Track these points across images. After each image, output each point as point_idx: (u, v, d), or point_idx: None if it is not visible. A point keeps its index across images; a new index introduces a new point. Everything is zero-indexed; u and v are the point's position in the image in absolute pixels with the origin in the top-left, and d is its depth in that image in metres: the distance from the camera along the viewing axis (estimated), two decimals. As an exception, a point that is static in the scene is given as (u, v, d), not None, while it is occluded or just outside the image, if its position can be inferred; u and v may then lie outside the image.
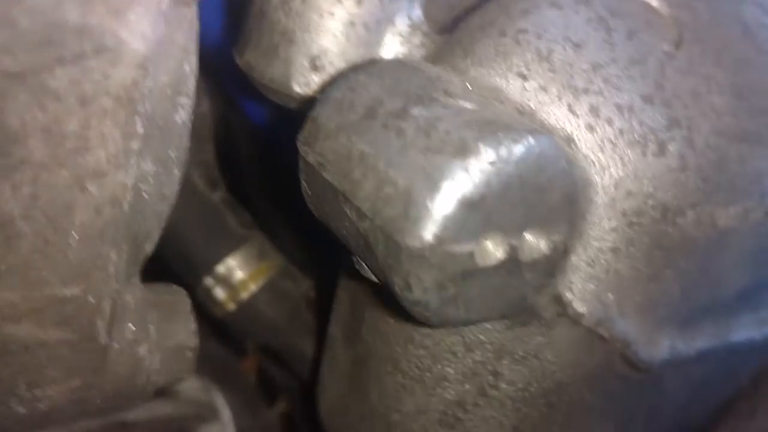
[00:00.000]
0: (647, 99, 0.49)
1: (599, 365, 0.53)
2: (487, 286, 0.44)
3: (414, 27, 0.56)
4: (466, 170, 0.40)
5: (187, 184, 0.73)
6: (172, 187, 0.46)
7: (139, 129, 0.40)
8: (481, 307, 0.45)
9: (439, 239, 0.40)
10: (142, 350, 0.48)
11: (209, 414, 0.75)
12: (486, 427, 0.56)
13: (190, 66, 0.43)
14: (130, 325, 0.47)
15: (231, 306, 0.73)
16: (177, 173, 0.45)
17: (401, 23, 0.56)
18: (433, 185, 0.40)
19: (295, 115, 0.60)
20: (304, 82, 0.56)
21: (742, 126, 0.52)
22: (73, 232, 0.40)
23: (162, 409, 0.71)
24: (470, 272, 0.43)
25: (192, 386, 0.77)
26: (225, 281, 0.73)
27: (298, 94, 0.56)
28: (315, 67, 0.56)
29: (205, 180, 0.73)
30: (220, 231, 0.73)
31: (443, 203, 0.40)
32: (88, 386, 0.46)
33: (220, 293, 0.73)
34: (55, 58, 0.35)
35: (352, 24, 0.55)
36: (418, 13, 0.56)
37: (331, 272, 0.76)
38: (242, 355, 0.87)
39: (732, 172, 0.51)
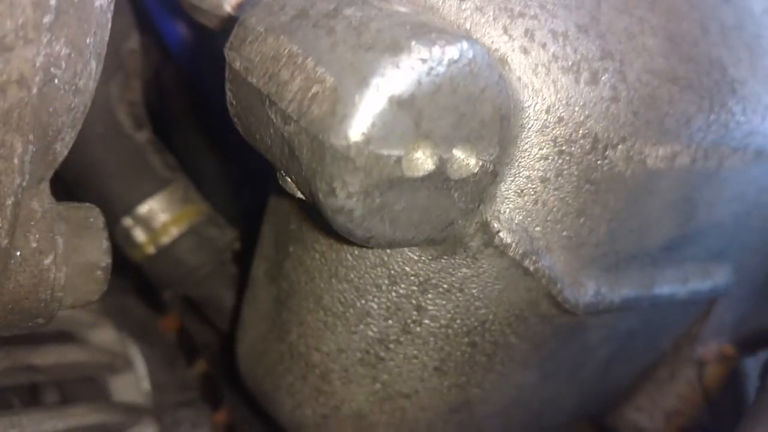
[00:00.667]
0: (582, 28, 0.48)
1: (524, 303, 0.52)
2: (413, 201, 0.43)
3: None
4: (397, 66, 0.39)
5: (111, 122, 0.70)
6: (87, 81, 0.43)
7: (52, 1, 0.37)
8: (407, 224, 0.44)
9: (367, 138, 0.39)
10: (47, 261, 0.45)
11: (123, 365, 0.71)
12: (408, 366, 0.55)
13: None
14: (35, 233, 0.44)
15: (150, 249, 0.70)
16: (94, 65, 0.43)
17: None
18: (361, 81, 0.39)
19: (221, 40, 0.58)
20: (236, 2, 0.54)
21: (673, 68, 0.52)
22: (-31, 111, 0.37)
23: (72, 354, 0.67)
24: (397, 181, 0.41)
25: (106, 336, 0.73)
26: (145, 223, 0.69)
27: (230, 14, 0.54)
28: (247, -15, 0.54)
29: (131, 119, 0.70)
30: (143, 171, 0.70)
31: (372, 100, 0.38)
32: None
33: (139, 235, 0.69)
34: None
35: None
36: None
37: (258, 223, 0.74)
38: (163, 313, 0.84)
39: (662, 111, 0.51)
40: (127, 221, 0.69)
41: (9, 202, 0.41)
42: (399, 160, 0.41)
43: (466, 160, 0.44)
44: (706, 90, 0.55)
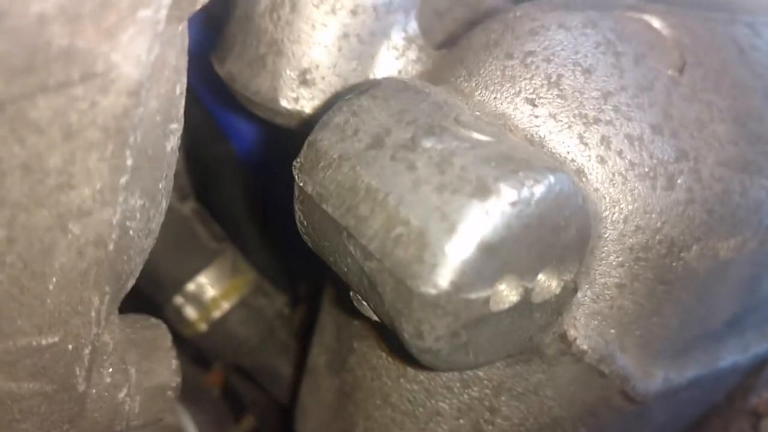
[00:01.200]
0: (656, 129, 0.47)
1: (597, 400, 0.52)
2: (497, 329, 0.42)
3: (410, 41, 0.53)
4: (486, 212, 0.37)
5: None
6: (158, 221, 0.42)
7: (128, 162, 0.35)
8: (490, 350, 0.43)
9: (456, 286, 0.38)
10: (122, 394, 0.44)
11: (175, 436, 0.71)
12: (478, 461, 0.54)
13: (181, 88, 0.39)
14: (109, 368, 0.43)
15: (202, 326, 0.69)
16: (164, 205, 0.41)
17: (397, 36, 0.53)
18: (450, 228, 0.37)
19: (279, 129, 0.57)
20: (293, 97, 0.52)
21: (743, 154, 0.51)
22: (52, 277, 0.36)
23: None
24: (483, 318, 0.40)
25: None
26: (196, 299, 0.68)
27: (285, 109, 0.53)
28: (305, 81, 0.52)
29: (175, 191, 0.68)
30: (191, 246, 0.69)
31: (461, 248, 0.37)
32: (63, 437, 0.42)
33: (190, 312, 0.69)
34: (37, 86, 0.31)
35: (345, 36, 0.51)
36: (414, 26, 0.53)
37: (310, 288, 0.73)
38: (207, 368, 0.84)
39: (734, 203, 0.50)
40: (178, 299, 0.68)
41: (86, 351, 0.40)
42: (487, 300, 0.40)
43: (548, 282, 0.43)
44: (774, 170, 0.53)
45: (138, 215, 0.39)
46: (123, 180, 0.36)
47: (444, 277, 0.37)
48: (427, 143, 0.40)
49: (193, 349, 0.80)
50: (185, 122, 0.73)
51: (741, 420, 0.75)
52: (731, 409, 0.75)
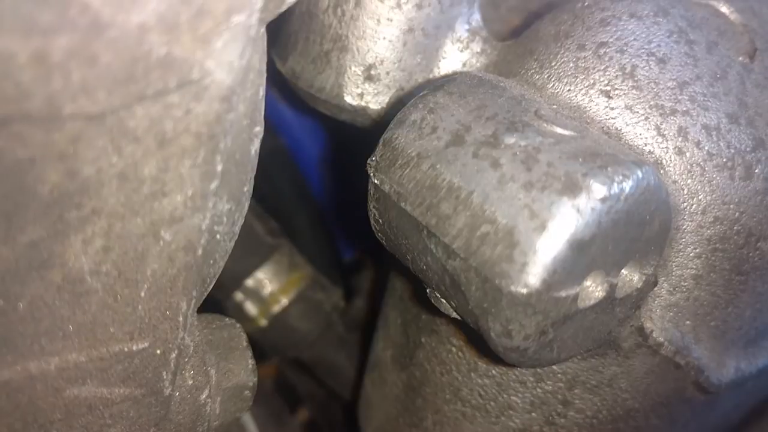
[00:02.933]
0: (733, 118, 0.46)
1: (671, 391, 0.51)
2: (581, 325, 0.42)
3: (473, 33, 0.52)
4: (577, 209, 0.37)
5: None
6: (240, 223, 0.41)
7: (219, 167, 0.35)
8: (573, 346, 0.43)
9: (547, 285, 0.37)
10: (204, 396, 0.44)
11: (237, 430, 0.72)
12: (549, 453, 0.54)
13: (263, 90, 0.39)
14: (190, 369, 0.44)
15: (263, 321, 0.69)
16: (247, 207, 0.41)
17: (461, 29, 0.52)
18: (541, 226, 0.37)
19: (331, 122, 0.56)
20: (357, 93, 0.52)
21: (816, 141, 0.50)
22: (144, 283, 0.36)
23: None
24: (571, 315, 0.40)
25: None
26: (255, 295, 0.69)
27: (350, 105, 0.52)
28: (370, 77, 0.52)
29: None
30: (249, 242, 0.69)
31: (553, 246, 0.37)
32: (149, 440, 0.42)
33: (251, 308, 0.69)
34: (136, 96, 0.31)
35: (410, 30, 0.51)
36: (477, 17, 0.53)
37: (364, 282, 0.73)
38: (259, 361, 0.84)
39: (810, 191, 0.49)
40: (239, 296, 0.69)
41: (173, 355, 0.40)
42: (575, 297, 0.39)
43: (630, 276, 0.42)
44: None
45: (225, 219, 0.39)
46: (213, 185, 0.36)
47: (535, 276, 0.37)
48: (510, 139, 0.40)
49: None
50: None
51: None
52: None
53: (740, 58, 0.50)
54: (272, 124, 0.76)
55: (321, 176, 0.76)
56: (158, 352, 0.39)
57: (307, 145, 0.74)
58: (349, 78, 0.52)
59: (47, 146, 0.30)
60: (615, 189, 0.38)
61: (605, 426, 0.53)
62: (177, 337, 0.40)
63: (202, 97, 0.33)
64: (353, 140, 0.72)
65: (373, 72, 0.51)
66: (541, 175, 0.38)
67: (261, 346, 0.73)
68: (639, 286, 0.43)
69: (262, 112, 0.39)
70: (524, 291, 0.37)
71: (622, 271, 0.42)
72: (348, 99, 0.52)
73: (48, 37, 0.27)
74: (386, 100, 0.52)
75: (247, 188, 0.40)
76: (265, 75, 0.39)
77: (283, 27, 0.56)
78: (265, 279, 0.68)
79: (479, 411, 0.53)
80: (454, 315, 0.44)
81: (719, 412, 0.61)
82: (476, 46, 0.52)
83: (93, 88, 0.29)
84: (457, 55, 0.52)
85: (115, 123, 0.31)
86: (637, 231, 0.40)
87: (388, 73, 0.51)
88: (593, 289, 0.40)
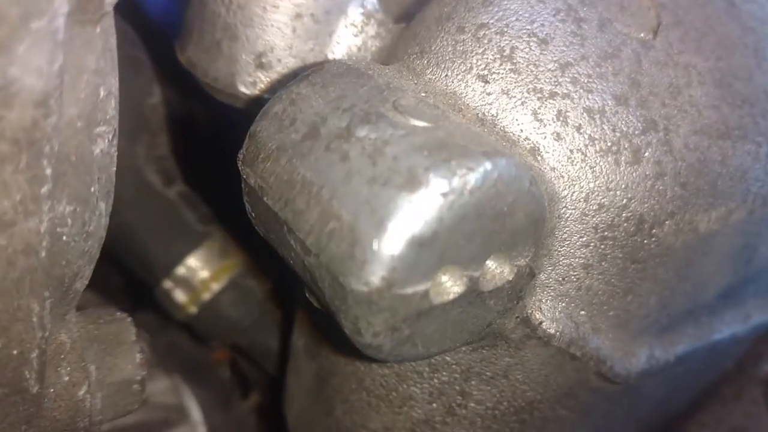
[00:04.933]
0: (621, 100, 0.44)
1: (572, 382, 0.50)
2: (445, 320, 0.41)
3: (368, 16, 0.51)
4: (416, 205, 0.36)
5: (140, 183, 0.69)
6: (98, 222, 0.41)
7: (47, 171, 0.35)
8: (442, 340, 0.42)
9: (388, 282, 0.36)
10: (82, 392, 0.45)
11: (178, 416, 0.73)
12: (456, 444, 0.54)
13: (107, 89, 0.38)
14: (66, 367, 0.44)
15: (192, 309, 0.69)
16: (103, 206, 0.41)
17: (354, 12, 0.51)
18: (379, 223, 0.36)
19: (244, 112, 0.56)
20: (251, 82, 0.51)
21: (724, 119, 0.48)
22: (-17, 287, 0.36)
23: (126, 417, 0.68)
24: (425, 311, 0.39)
25: (159, 387, 0.74)
26: (185, 283, 0.69)
27: (244, 94, 0.52)
28: (261, 65, 0.51)
29: (160, 175, 0.68)
30: (178, 229, 0.69)
31: (391, 244, 0.36)
32: (22, 437, 0.43)
33: (180, 296, 0.69)
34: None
35: (298, 16, 0.50)
36: (372, 0, 0.51)
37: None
38: (214, 346, 0.85)
39: (713, 173, 0.47)
40: (167, 284, 0.69)
41: (34, 355, 0.41)
42: (426, 293, 0.38)
43: (499, 269, 0.41)
44: (763, 133, 0.50)
45: (69, 221, 0.38)
46: (44, 189, 0.35)
47: (375, 274, 0.36)
48: (362, 132, 0.39)
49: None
50: (171, 104, 0.73)
51: (753, 387, 0.72)
52: (743, 377, 0.72)
53: (641, 35, 0.47)
54: (207, 112, 0.76)
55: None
56: (14, 352, 0.39)
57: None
58: (241, 66, 0.51)
59: None
60: (456, 183, 0.36)
61: (509, 417, 0.52)
62: (34, 337, 0.40)
63: (12, 104, 0.32)
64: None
65: (264, 60, 0.50)
66: (384, 170, 0.37)
67: (195, 332, 0.74)
68: (510, 278, 0.41)
69: (110, 112, 0.39)
70: (365, 289, 0.36)
71: (488, 264, 0.40)
72: (242, 88, 0.51)
73: None
74: (279, 88, 0.51)
75: (97, 188, 0.40)
76: (110, 74, 0.38)
77: (182, 18, 0.55)
78: (196, 267, 0.69)
79: (383, 401, 0.53)
80: (324, 310, 0.44)
81: (643, 400, 0.59)
82: (371, 30, 0.51)
83: None
84: (351, 40, 0.51)
85: None
86: (495, 224, 0.39)
87: (279, 60, 0.50)
88: (450, 284, 0.39)
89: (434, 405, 0.52)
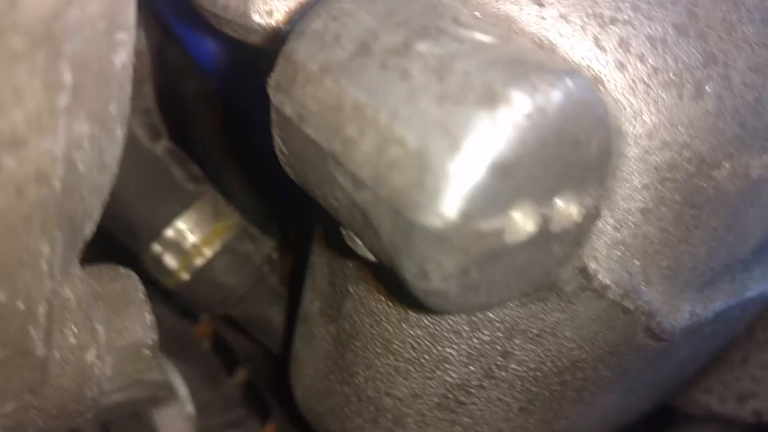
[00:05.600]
0: (681, 30, 0.41)
1: (620, 339, 0.47)
2: (512, 265, 0.37)
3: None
4: (497, 124, 0.32)
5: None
6: (114, 152, 0.36)
7: (67, 77, 0.29)
8: (504, 289, 0.38)
9: (464, 215, 0.32)
10: (90, 356, 0.39)
11: (165, 393, 0.67)
12: (491, 409, 0.50)
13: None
14: (72, 327, 0.38)
15: (184, 275, 0.64)
16: (120, 133, 0.36)
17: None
18: (454, 145, 0.32)
19: (252, 50, 0.50)
20: (266, 10, 0.46)
21: (776, 59, 0.45)
22: (-12, 222, 0.31)
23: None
24: (497, 252, 0.35)
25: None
26: (176, 246, 0.63)
27: (259, 24, 0.47)
28: (278, -9, 0.46)
29: (146, 129, 0.62)
30: (166, 188, 0.63)
31: (469, 168, 0.32)
32: (25, 408, 0.37)
33: (170, 261, 0.63)
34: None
35: (321, -62, 0.45)
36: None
37: (301, 229, 0.67)
38: (195, 320, 0.79)
39: (767, 114, 0.45)
40: (156, 247, 0.63)
41: (42, 310, 0.35)
42: (500, 231, 0.34)
43: (567, 209, 0.37)
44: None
45: (87, 144, 0.33)
46: (62, 100, 0.30)
47: (450, 205, 0.32)
48: (422, 47, 0.34)
49: (181, 300, 0.75)
50: (157, 55, 0.67)
51: (761, 352, 0.71)
52: (750, 342, 0.71)
53: (692, -34, 0.44)
54: (198, 64, 0.70)
55: (252, 116, 0.69)
56: (20, 305, 0.34)
57: (235, 84, 0.68)
58: (255, -7, 0.46)
59: None
60: (540, 100, 0.32)
61: (550, 378, 0.48)
62: (43, 287, 0.34)
63: (31, -13, 0.27)
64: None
65: (282, -14, 0.45)
66: (455, 87, 0.33)
67: (186, 302, 0.68)
68: (578, 220, 0.38)
69: (130, 16, 0.33)
70: (438, 223, 0.32)
71: (557, 201, 0.36)
72: (255, 17, 0.46)
73: None
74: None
75: (115, 109, 0.34)
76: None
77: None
78: (186, 229, 0.63)
79: (413, 365, 0.49)
80: (371, 258, 0.39)
81: (674, 361, 0.57)
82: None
83: None
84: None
85: None
86: (571, 153, 0.35)
87: (299, -13, 0.46)
88: (522, 221, 0.35)
89: (471, 367, 0.48)
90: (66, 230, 0.34)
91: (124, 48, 0.33)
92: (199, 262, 0.63)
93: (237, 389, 0.75)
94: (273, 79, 0.38)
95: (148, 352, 0.43)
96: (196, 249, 0.63)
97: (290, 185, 0.43)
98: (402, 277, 0.36)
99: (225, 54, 0.65)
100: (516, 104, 0.32)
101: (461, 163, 0.32)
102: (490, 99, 0.32)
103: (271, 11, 0.46)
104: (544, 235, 0.37)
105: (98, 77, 0.32)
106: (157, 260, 0.63)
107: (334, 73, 0.36)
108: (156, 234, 0.62)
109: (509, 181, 0.33)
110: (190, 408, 0.69)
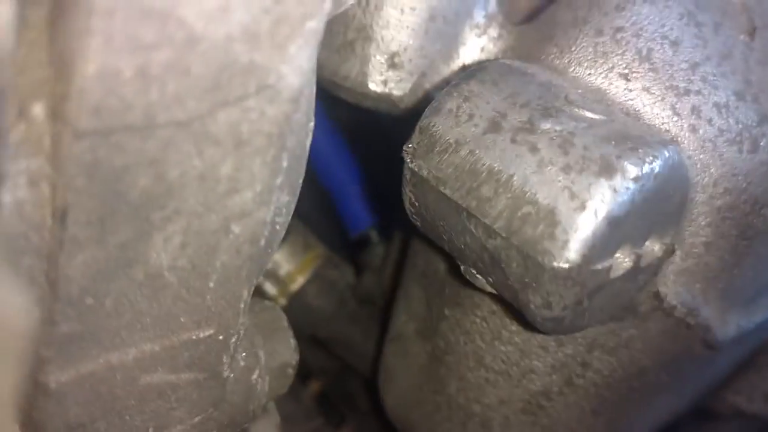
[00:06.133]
0: (739, 95, 0.49)
1: (680, 349, 0.55)
2: (609, 294, 0.45)
3: (490, 18, 0.55)
4: (614, 190, 0.40)
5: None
6: (291, 211, 0.43)
7: (285, 163, 0.37)
8: (600, 313, 0.46)
9: (587, 259, 0.40)
10: (254, 376, 0.47)
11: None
12: (567, 412, 0.58)
13: (314, 87, 0.41)
14: (242, 351, 0.46)
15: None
16: (297, 197, 0.43)
17: (478, 15, 0.54)
18: (580, 206, 0.40)
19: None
20: (381, 80, 0.54)
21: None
22: (214, 275, 0.38)
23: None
24: (603, 285, 0.43)
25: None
26: (273, 276, 0.71)
27: (374, 92, 0.54)
28: (393, 65, 0.53)
29: None
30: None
31: (591, 223, 0.40)
32: (207, 419, 0.45)
33: (270, 288, 0.71)
34: (220, 102, 0.32)
35: (432, 18, 0.53)
36: (493, 3, 0.55)
37: (371, 259, 0.75)
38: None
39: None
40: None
41: (233, 340, 0.43)
42: (608, 268, 0.42)
43: (653, 248, 0.46)
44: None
45: (284, 210, 0.41)
46: (279, 181, 0.38)
47: (576, 252, 0.40)
48: (546, 125, 0.43)
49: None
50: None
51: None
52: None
53: (741, 37, 0.53)
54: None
55: (325, 158, 0.77)
56: (221, 337, 0.41)
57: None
58: (373, 66, 0.53)
59: (141, 153, 0.31)
60: (646, 169, 0.41)
61: (620, 383, 0.57)
62: (238, 322, 0.42)
63: (275, 100, 0.34)
64: (357, 124, 0.74)
65: (396, 60, 0.53)
66: (578, 158, 0.41)
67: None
68: (659, 255, 0.46)
69: (313, 108, 0.41)
70: (566, 266, 0.40)
71: (647, 243, 0.45)
72: (372, 86, 0.54)
73: (149, 52, 0.28)
74: (408, 87, 0.54)
75: (301, 180, 0.42)
76: (315, 72, 0.41)
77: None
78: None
79: (502, 376, 0.57)
80: (489, 289, 0.47)
81: (719, 366, 0.65)
82: (493, 32, 0.54)
83: (184, 97, 0.31)
84: (475, 41, 0.54)
85: (199, 128, 0.33)
86: (661, 205, 0.43)
87: (410, 60, 0.53)
88: (622, 260, 0.43)
89: (554, 377, 0.56)
90: (257, 276, 0.42)
91: (311, 132, 0.40)
92: (293, 288, 0.71)
93: (311, 399, 0.82)
94: (410, 147, 0.46)
95: (291, 371, 0.51)
96: (291, 277, 0.71)
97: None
98: (526, 307, 0.44)
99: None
100: (628, 173, 0.40)
101: (586, 220, 0.40)
102: (608, 169, 0.40)
103: (386, 81, 0.53)
104: (636, 269, 0.45)
105: (298, 159, 0.40)
106: (259, 288, 0.71)
107: (470, 145, 0.44)
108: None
109: (619, 230, 0.41)
110: (276, 417, 0.76)
